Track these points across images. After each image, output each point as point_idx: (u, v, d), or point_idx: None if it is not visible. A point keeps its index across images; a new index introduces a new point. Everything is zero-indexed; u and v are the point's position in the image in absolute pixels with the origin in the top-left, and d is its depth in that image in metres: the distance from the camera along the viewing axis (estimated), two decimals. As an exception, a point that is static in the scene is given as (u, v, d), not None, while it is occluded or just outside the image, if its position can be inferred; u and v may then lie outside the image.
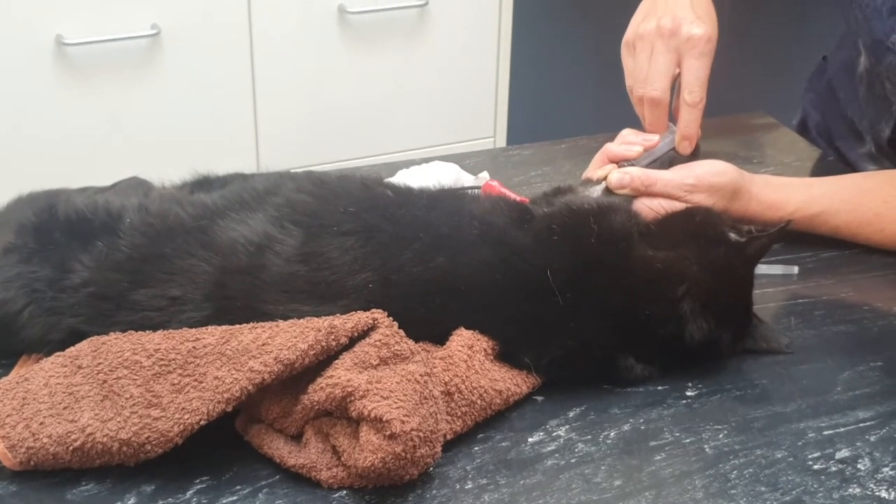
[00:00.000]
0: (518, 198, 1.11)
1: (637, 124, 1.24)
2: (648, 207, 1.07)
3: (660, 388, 0.95)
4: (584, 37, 3.00)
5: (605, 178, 1.11)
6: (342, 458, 0.82)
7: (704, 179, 1.10)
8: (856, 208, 1.16)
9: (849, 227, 1.17)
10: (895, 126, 1.32)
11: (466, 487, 0.84)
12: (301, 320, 0.86)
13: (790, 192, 1.16)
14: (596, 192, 1.10)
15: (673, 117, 1.24)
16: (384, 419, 0.79)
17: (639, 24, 1.24)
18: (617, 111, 1.28)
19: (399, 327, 0.87)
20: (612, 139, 1.20)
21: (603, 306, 0.92)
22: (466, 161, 1.33)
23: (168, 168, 1.11)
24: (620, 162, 1.15)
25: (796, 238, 1.17)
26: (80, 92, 2.03)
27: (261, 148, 2.24)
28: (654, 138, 1.19)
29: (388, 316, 0.87)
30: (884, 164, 1.39)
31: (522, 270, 0.92)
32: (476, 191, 1.18)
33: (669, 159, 1.19)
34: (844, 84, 1.45)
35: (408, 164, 1.26)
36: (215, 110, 2.16)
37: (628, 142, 1.18)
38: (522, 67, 2.65)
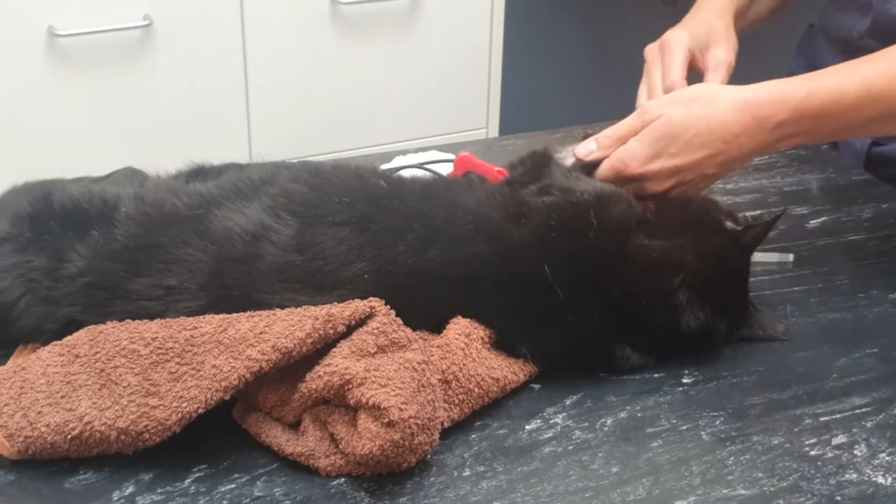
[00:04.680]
0: (495, 168, 1.09)
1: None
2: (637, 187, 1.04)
3: (656, 375, 0.95)
4: (576, 27, 3.01)
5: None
6: (340, 446, 0.82)
7: (656, 100, 1.07)
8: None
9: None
10: None
11: (464, 475, 0.84)
12: (298, 309, 0.86)
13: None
14: (569, 159, 1.08)
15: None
16: (382, 406, 0.79)
17: None
18: (609, 101, 1.29)
19: (395, 316, 0.87)
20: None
21: (600, 296, 0.92)
22: (461, 151, 1.32)
23: (160, 159, 1.11)
24: None
25: (792, 226, 1.17)
26: (72, 83, 2.02)
27: (253, 139, 2.24)
28: None
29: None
30: None
31: (520, 266, 0.91)
32: (450, 168, 1.16)
33: None
34: (835, 12, 1.44)
35: (403, 153, 1.26)
36: (208, 101, 2.15)
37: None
38: (515, 58, 2.65)
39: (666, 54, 1.18)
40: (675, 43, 1.18)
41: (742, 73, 1.21)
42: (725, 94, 1.04)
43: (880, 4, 1.33)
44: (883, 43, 1.29)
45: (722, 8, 1.27)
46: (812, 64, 1.50)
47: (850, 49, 1.39)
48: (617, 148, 1.04)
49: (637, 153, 1.02)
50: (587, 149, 1.06)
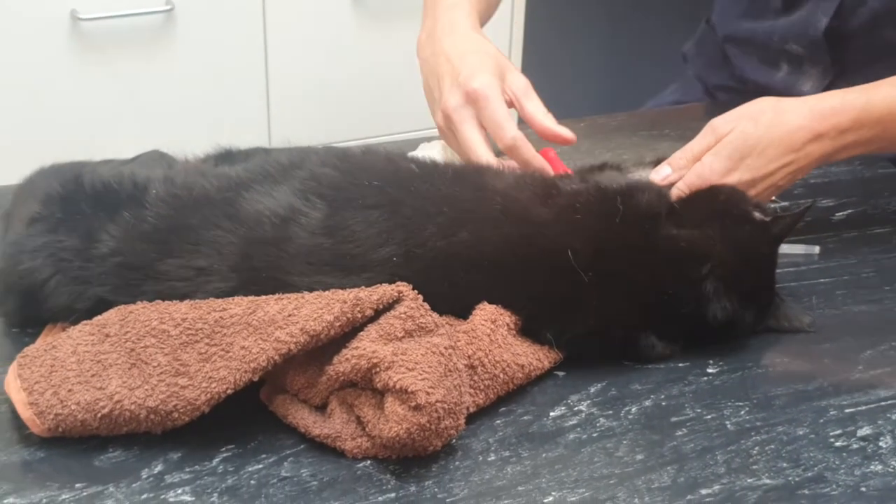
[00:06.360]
0: (564, 168, 1.08)
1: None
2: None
3: (681, 364, 0.96)
4: (595, 18, 3.00)
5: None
6: (367, 429, 0.83)
7: (723, 116, 1.06)
8: None
9: None
10: (837, 10, 1.29)
11: (489, 459, 0.84)
12: (327, 292, 0.87)
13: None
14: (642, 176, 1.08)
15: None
16: (409, 390, 0.79)
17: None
18: (629, 91, 1.29)
19: (423, 300, 0.87)
20: (630, 118, 1.20)
21: (626, 285, 0.92)
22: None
23: (181, 142, 1.11)
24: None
25: (818, 218, 1.17)
26: (95, 67, 2.03)
27: (273, 125, 2.24)
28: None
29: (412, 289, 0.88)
30: (801, 82, 1.37)
31: (545, 248, 0.92)
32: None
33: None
34: (744, 20, 1.43)
35: (428, 139, 1.26)
36: (228, 87, 2.16)
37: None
38: (535, 46, 2.65)
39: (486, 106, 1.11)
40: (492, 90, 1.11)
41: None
42: (790, 105, 1.06)
43: (806, 17, 1.33)
44: (807, 50, 1.30)
45: (474, 23, 1.21)
46: (717, 60, 1.48)
47: (772, 54, 1.39)
48: (692, 167, 1.05)
49: (715, 167, 1.03)
50: (662, 174, 1.06)
